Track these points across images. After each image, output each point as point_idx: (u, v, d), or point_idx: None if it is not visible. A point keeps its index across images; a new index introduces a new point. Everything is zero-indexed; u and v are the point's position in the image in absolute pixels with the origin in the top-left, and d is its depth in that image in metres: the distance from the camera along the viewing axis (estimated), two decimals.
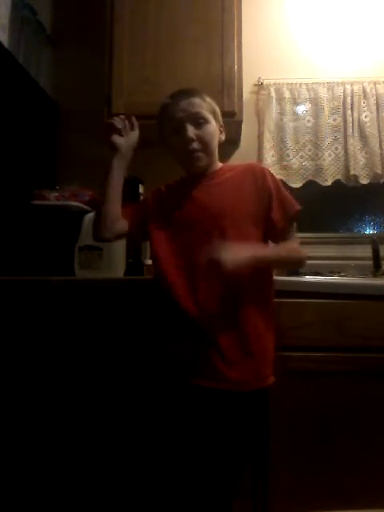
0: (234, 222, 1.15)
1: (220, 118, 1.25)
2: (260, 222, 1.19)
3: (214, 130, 1.21)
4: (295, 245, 1.24)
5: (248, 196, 1.19)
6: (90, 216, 1.60)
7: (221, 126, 1.25)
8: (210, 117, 1.20)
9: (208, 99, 1.22)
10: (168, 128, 1.21)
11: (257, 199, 1.19)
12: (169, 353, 1.15)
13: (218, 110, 1.24)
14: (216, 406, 1.11)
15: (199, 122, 1.18)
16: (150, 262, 1.77)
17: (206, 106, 1.20)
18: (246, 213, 1.17)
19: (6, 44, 1.67)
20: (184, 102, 1.18)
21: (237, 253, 1.03)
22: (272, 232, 1.21)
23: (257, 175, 1.21)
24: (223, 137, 1.26)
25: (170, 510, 1.19)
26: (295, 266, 1.36)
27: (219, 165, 1.27)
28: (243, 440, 1.17)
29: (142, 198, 1.32)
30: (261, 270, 1.14)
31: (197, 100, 1.19)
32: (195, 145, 1.17)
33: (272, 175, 1.23)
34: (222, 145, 1.28)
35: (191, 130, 1.16)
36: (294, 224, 1.27)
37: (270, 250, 1.21)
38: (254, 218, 1.18)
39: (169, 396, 1.16)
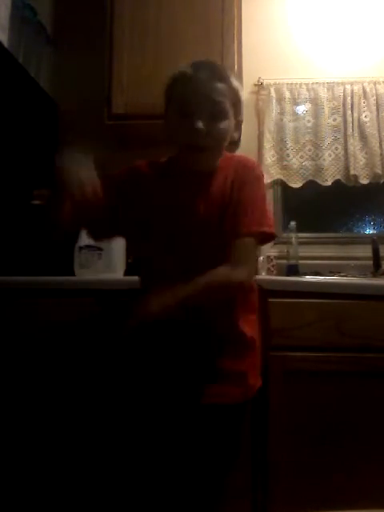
0: (217, 231, 1.01)
1: (241, 111, 1.04)
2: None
3: (229, 128, 1.01)
4: (224, 271, 0.97)
5: (231, 191, 1.02)
6: None
7: (238, 122, 1.04)
8: (229, 111, 0.99)
9: (235, 84, 1.00)
10: (176, 106, 1.00)
11: (231, 198, 1.02)
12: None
13: (242, 99, 1.03)
14: (206, 421, 1.02)
15: (216, 114, 0.97)
16: None
17: (230, 95, 0.98)
18: (223, 212, 1.01)
19: (6, 44, 1.67)
20: (207, 85, 0.96)
21: (159, 302, 0.92)
22: (230, 232, 1.00)
23: (241, 171, 1.03)
24: (237, 135, 1.06)
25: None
26: (226, 294, 1.01)
27: (217, 164, 1.06)
28: (233, 449, 1.10)
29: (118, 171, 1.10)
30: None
31: (223, 87, 0.97)
32: (202, 141, 0.97)
33: (258, 178, 1.04)
34: None
35: (203, 121, 0.95)
36: (254, 246, 1.02)
37: (189, 287, 0.94)
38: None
39: (165, 399, 1.14)
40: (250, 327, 1.07)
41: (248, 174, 1.03)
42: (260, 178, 1.05)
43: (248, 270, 1.01)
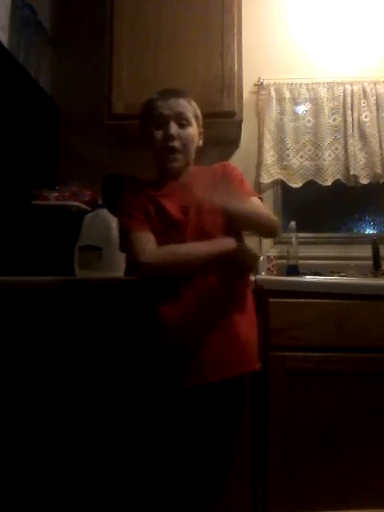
0: (219, 223, 1.16)
1: (201, 124, 1.28)
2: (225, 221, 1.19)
3: (195, 134, 1.24)
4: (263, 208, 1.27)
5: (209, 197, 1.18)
6: (90, 216, 1.60)
7: (200, 132, 1.28)
8: (192, 120, 1.23)
9: (193, 103, 1.26)
10: (151, 122, 1.22)
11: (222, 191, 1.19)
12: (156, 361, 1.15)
13: (200, 115, 1.28)
14: (204, 402, 1.13)
15: (182, 122, 1.21)
16: None
17: (191, 109, 1.24)
18: (214, 217, 1.17)
19: (6, 44, 1.68)
20: (172, 101, 1.21)
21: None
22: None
23: (216, 174, 1.25)
24: (201, 142, 1.28)
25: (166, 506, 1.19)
26: (266, 227, 1.23)
27: (191, 169, 1.27)
28: (232, 428, 1.18)
29: (128, 201, 1.23)
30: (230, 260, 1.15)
31: (183, 101, 1.23)
32: (176, 143, 1.20)
33: (237, 172, 1.27)
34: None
35: (174, 128, 1.19)
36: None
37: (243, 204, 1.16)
38: (222, 221, 1.18)
39: (165, 397, 1.16)
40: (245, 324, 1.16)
41: (228, 170, 1.27)
42: (237, 170, 1.29)
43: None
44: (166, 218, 1.18)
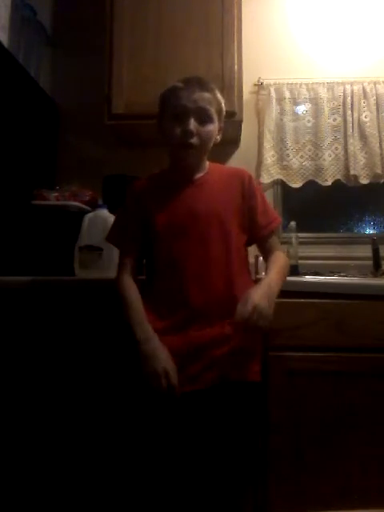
0: (222, 226, 1.18)
1: (223, 118, 1.24)
2: (245, 227, 1.23)
3: (214, 131, 1.20)
4: (281, 259, 1.24)
5: (235, 200, 1.22)
6: (90, 216, 1.60)
7: (220, 128, 1.24)
8: (215, 116, 1.18)
9: (218, 96, 1.20)
10: (170, 112, 1.18)
11: (243, 204, 1.22)
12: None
13: (224, 109, 1.23)
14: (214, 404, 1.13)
15: (204, 118, 1.16)
16: None
17: (215, 104, 1.18)
18: (232, 217, 1.20)
19: (6, 44, 1.67)
20: (196, 94, 1.15)
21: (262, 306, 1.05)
22: (258, 236, 1.26)
23: (244, 181, 1.24)
24: (219, 138, 1.25)
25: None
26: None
27: (207, 164, 1.27)
28: (245, 433, 1.17)
29: (126, 204, 1.27)
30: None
31: (208, 96, 1.17)
32: (194, 140, 1.15)
33: (258, 184, 1.28)
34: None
35: (193, 124, 1.14)
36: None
37: (272, 282, 1.15)
38: (240, 222, 1.22)
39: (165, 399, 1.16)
40: None
41: (249, 177, 1.26)
42: (257, 183, 1.31)
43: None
44: (172, 222, 1.18)
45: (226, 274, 1.16)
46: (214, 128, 1.19)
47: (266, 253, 1.27)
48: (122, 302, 1.18)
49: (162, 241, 1.19)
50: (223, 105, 1.22)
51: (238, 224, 1.21)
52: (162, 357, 1.09)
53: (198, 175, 1.24)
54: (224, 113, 1.24)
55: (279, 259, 1.23)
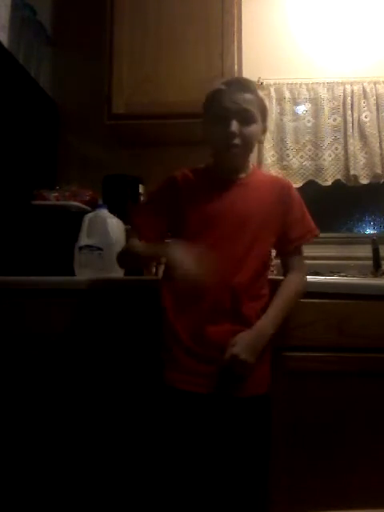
0: (251, 229, 1.18)
1: (266, 118, 1.25)
2: (276, 235, 1.24)
3: (258, 131, 1.21)
4: (292, 285, 1.23)
5: (273, 208, 1.22)
6: (90, 216, 1.60)
7: (265, 128, 1.25)
8: (258, 116, 1.18)
9: (260, 96, 1.21)
10: (213, 114, 1.19)
11: (279, 214, 1.23)
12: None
13: (267, 108, 1.25)
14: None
15: (246, 119, 1.16)
16: None
17: (257, 104, 1.19)
18: (264, 222, 1.20)
19: (6, 44, 1.67)
20: (238, 95, 1.16)
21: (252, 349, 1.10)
22: (284, 249, 1.27)
23: (284, 190, 1.25)
24: (263, 138, 1.28)
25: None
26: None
27: (250, 166, 1.28)
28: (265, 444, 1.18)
29: (162, 193, 1.27)
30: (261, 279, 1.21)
31: (250, 96, 1.17)
32: (236, 141, 1.16)
33: (298, 195, 1.28)
34: None
35: (236, 126, 1.14)
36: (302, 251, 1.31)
37: (265, 327, 1.16)
38: (273, 231, 1.23)
39: (169, 398, 1.15)
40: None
41: (289, 187, 1.28)
42: (297, 193, 1.29)
43: (305, 269, 1.31)
44: (204, 218, 1.18)
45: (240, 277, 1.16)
46: (256, 128, 1.19)
47: (285, 270, 1.28)
48: (127, 252, 1.28)
49: (190, 234, 1.18)
50: (265, 104, 1.24)
51: (269, 231, 1.21)
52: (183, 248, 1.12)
53: (240, 175, 1.24)
54: (267, 112, 1.25)
55: (290, 285, 1.23)
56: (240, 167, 1.24)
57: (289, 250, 1.27)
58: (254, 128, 1.18)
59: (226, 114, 1.15)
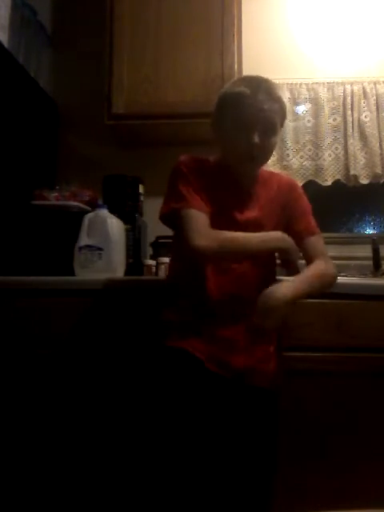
0: (265, 230, 1.17)
1: (283, 124, 1.20)
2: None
3: (277, 142, 1.17)
4: (319, 266, 1.17)
5: (279, 211, 1.22)
6: (90, 216, 1.60)
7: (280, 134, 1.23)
8: (279, 128, 1.15)
9: (284, 104, 1.16)
10: (234, 119, 1.11)
11: (284, 213, 1.23)
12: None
13: (286, 116, 1.21)
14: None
15: (269, 131, 1.11)
16: (149, 262, 1.78)
17: (281, 114, 1.14)
18: (271, 228, 1.18)
19: (6, 44, 1.68)
20: (265, 105, 1.08)
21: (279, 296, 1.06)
22: (297, 242, 1.21)
23: (290, 191, 1.25)
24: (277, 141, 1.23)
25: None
26: (327, 288, 1.22)
27: (259, 171, 1.24)
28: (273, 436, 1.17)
29: (181, 173, 1.15)
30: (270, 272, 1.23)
31: (276, 106, 1.11)
32: (257, 152, 1.11)
33: (305, 198, 1.29)
34: None
35: (258, 137, 1.09)
36: (322, 240, 1.26)
37: (303, 283, 1.12)
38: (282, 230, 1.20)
39: (172, 396, 1.13)
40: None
41: (295, 193, 1.27)
42: (303, 192, 1.31)
43: (332, 263, 1.23)
44: (212, 222, 1.11)
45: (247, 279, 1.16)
46: (276, 140, 1.15)
47: (307, 259, 1.21)
48: (237, 250, 1.12)
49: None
50: (285, 108, 1.18)
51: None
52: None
53: (250, 183, 1.21)
54: (285, 117, 1.20)
55: (316, 266, 1.17)
56: (256, 175, 1.22)
57: (302, 237, 1.22)
58: (274, 140, 1.14)
59: (251, 123, 1.09)
